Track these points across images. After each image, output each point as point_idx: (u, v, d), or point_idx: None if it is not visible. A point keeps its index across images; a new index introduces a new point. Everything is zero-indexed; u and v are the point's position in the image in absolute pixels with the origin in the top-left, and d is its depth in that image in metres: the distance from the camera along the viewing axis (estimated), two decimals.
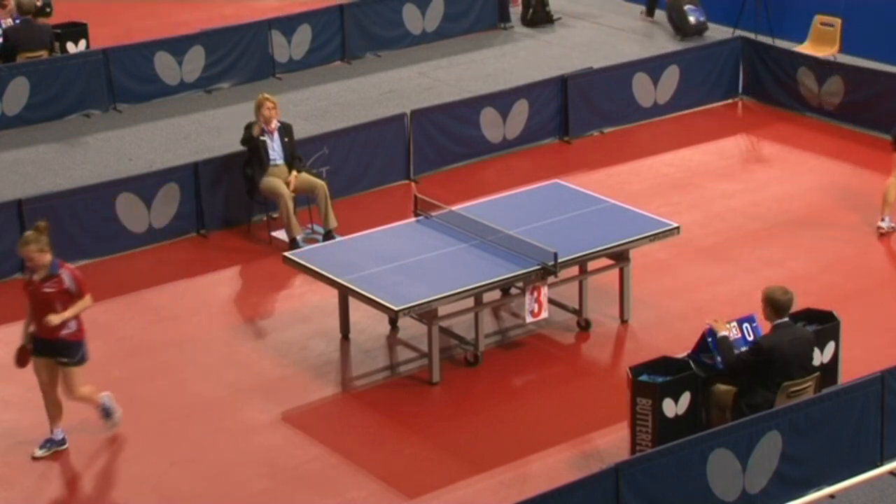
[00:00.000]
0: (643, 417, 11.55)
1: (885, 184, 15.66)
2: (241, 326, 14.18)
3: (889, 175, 15.66)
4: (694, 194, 16.70)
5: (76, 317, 11.96)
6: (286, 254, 13.88)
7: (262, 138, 15.84)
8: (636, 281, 14.16)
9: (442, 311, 13.11)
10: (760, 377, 11.38)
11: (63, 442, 12.29)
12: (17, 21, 19.97)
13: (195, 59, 20.39)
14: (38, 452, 12.22)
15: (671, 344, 13.25)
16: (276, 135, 15.95)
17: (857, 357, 12.85)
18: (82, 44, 21.18)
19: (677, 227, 14.03)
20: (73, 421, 12.66)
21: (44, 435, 12.34)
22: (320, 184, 15.89)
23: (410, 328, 13.78)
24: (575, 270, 13.79)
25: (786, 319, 11.55)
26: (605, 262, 13.98)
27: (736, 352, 11.59)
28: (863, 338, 13.41)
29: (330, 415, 12.78)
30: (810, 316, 12.35)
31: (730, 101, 19.59)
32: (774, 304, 11.52)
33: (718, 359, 11.67)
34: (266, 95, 16.09)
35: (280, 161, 15.96)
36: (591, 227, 13.97)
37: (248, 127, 15.93)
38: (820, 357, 12.14)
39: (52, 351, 12.01)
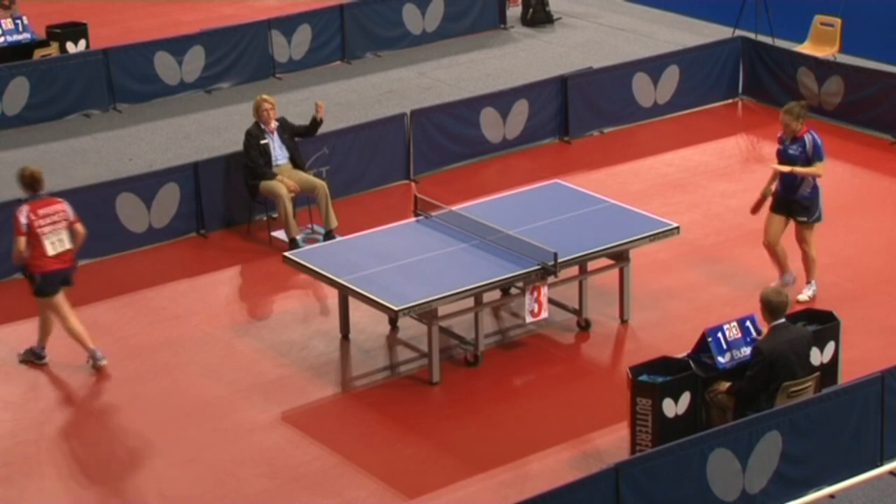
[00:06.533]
0: (643, 417, 11.54)
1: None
2: (241, 326, 14.17)
3: None
4: (694, 194, 16.69)
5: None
6: (286, 254, 13.88)
7: (263, 142, 15.83)
8: (636, 281, 14.15)
9: (442, 311, 13.10)
10: (763, 381, 11.37)
11: None
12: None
13: (195, 59, 20.39)
14: None
15: (671, 344, 13.25)
16: (275, 134, 15.94)
17: (857, 357, 12.85)
18: (82, 44, 21.19)
19: (677, 227, 14.02)
20: (72, 420, 12.67)
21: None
22: (320, 184, 15.88)
23: (410, 328, 13.78)
24: (575, 270, 13.79)
25: (782, 321, 11.55)
26: (605, 262, 13.97)
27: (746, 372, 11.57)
28: (863, 338, 13.41)
29: (330, 415, 12.77)
30: (810, 316, 12.34)
31: (730, 101, 19.58)
32: (768, 306, 11.52)
33: (719, 359, 11.68)
34: (264, 96, 16.06)
35: (282, 160, 15.95)
36: (591, 227, 13.96)
37: (249, 135, 15.88)
38: (820, 357, 12.13)
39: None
